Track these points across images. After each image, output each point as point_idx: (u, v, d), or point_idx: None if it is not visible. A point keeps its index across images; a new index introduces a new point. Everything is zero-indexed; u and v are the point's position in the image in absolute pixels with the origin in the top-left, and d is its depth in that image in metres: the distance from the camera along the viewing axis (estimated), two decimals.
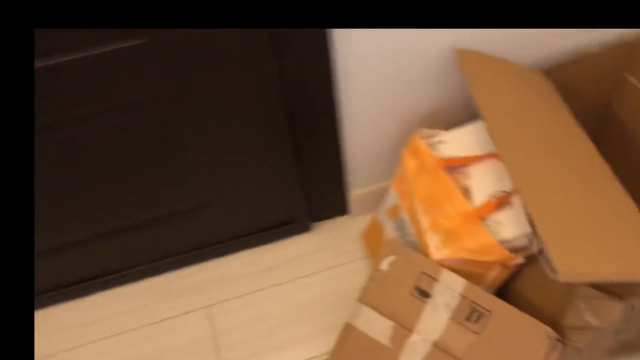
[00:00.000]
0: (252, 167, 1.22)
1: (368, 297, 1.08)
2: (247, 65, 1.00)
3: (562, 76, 1.18)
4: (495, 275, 1.05)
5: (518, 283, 1.09)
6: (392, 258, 1.07)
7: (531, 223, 0.96)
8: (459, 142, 1.13)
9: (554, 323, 0.99)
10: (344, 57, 1.06)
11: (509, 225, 1.02)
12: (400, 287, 1.05)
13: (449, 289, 1.02)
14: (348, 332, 1.10)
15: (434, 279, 1.03)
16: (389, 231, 1.21)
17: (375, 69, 1.10)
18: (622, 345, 1.09)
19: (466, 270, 1.04)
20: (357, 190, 1.37)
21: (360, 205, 1.41)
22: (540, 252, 1.03)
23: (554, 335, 0.96)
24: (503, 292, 1.11)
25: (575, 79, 1.21)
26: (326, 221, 1.44)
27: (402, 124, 1.24)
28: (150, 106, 1.02)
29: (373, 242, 1.31)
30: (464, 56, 1.11)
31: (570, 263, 0.83)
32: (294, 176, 1.27)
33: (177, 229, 1.30)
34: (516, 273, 1.07)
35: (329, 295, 1.31)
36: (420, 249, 1.09)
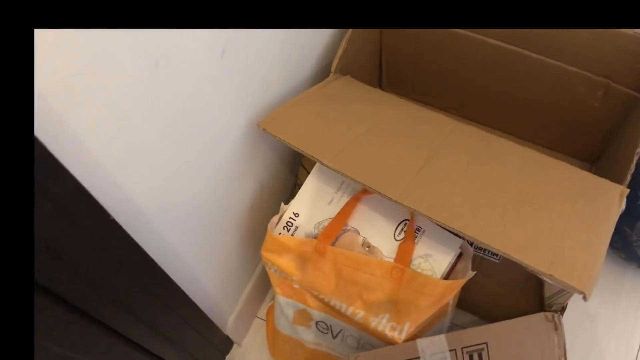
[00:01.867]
0: None
1: None
2: None
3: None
4: (452, 302, 0.91)
5: (470, 294, 0.97)
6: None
7: (452, 230, 0.81)
8: (312, 204, 0.92)
9: (532, 303, 0.90)
10: None
11: (439, 252, 0.87)
12: None
13: (436, 355, 0.85)
14: None
15: (415, 359, 0.85)
16: (313, 339, 0.98)
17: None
18: None
19: (429, 322, 0.88)
20: (230, 317, 1.10)
21: (240, 326, 1.14)
22: (471, 244, 0.91)
23: (552, 315, 0.86)
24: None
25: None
26: None
27: (232, 228, 0.98)
28: None
29: (296, 357, 1.06)
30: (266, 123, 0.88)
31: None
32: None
33: None
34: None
35: None
36: (369, 339, 0.89)
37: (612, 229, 0.75)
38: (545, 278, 0.71)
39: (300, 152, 0.84)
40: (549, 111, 1.09)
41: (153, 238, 0.74)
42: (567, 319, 0.92)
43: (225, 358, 1.15)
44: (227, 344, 1.13)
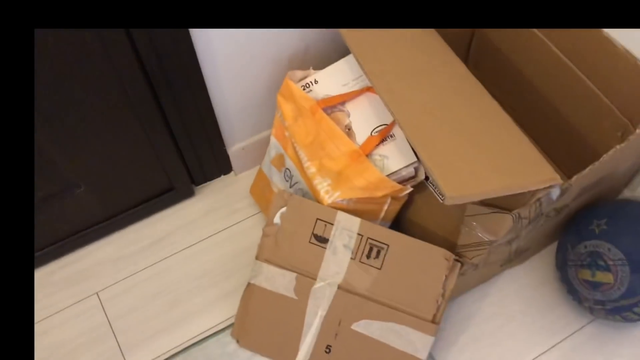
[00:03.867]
0: (116, 141, 1.11)
1: (265, 253, 1.05)
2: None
3: None
4: (387, 208, 1.06)
5: (410, 212, 1.11)
6: (283, 210, 1.04)
7: (415, 152, 0.96)
8: (332, 80, 1.10)
9: (450, 245, 1.02)
10: None
11: (394, 158, 1.01)
12: (296, 237, 1.03)
13: (346, 231, 1.01)
14: (251, 292, 1.07)
15: (329, 223, 1.01)
16: (277, 182, 1.18)
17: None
18: (516, 254, 1.15)
19: (359, 209, 1.03)
20: (236, 145, 1.31)
21: (243, 159, 1.35)
22: (427, 179, 1.04)
23: (451, 256, 0.98)
24: (398, 223, 1.13)
25: None
26: (210, 182, 1.38)
27: (272, 68, 1.18)
28: None
29: (263, 196, 1.27)
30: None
31: (457, 186, 0.84)
32: (164, 141, 1.18)
33: (51, 215, 1.17)
34: (408, 202, 1.09)
35: (226, 258, 1.27)
36: (311, 196, 1.06)
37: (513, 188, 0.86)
38: (428, 173, 0.85)
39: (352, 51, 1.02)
40: (571, 131, 1.17)
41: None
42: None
43: (221, 176, 1.38)
44: (226, 166, 1.35)
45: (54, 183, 1.12)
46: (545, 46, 1.15)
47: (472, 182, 0.86)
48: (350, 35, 1.04)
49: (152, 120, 1.11)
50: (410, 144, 0.97)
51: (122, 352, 1.16)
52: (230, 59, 1.10)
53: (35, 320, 1.19)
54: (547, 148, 1.29)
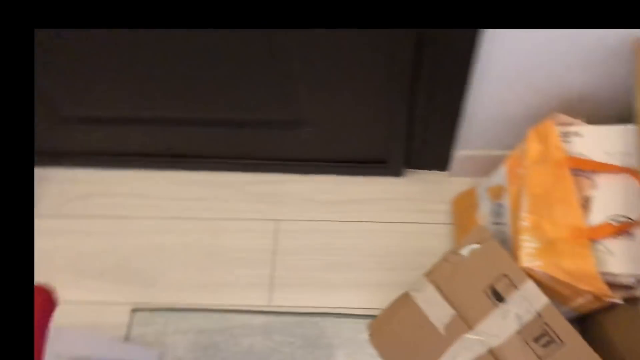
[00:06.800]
0: (361, 93, 1.11)
1: (436, 276, 1.00)
2: None
3: None
4: (583, 302, 0.93)
5: (606, 318, 0.96)
6: (476, 247, 0.97)
7: None
8: (597, 141, 0.96)
9: None
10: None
11: (621, 259, 0.88)
12: (474, 279, 0.96)
13: (527, 302, 0.91)
14: (405, 302, 1.03)
15: (514, 285, 0.92)
16: (484, 211, 1.10)
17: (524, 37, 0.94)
18: None
19: (553, 287, 0.92)
20: (464, 150, 1.24)
21: (463, 166, 1.28)
22: None
23: None
24: (584, 321, 0.99)
25: None
26: (421, 171, 1.33)
27: (540, 98, 1.07)
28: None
29: (463, 213, 1.20)
30: None
31: None
32: (402, 113, 1.15)
33: (270, 137, 1.24)
34: (608, 307, 0.95)
35: (398, 250, 1.24)
36: (510, 246, 0.97)
37: None
38: None
39: None
40: None
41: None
42: None
43: (433, 170, 1.32)
44: (444, 164, 1.29)
45: (290, 113, 1.16)
46: None
47: None
48: None
49: (401, 92, 1.08)
50: None
51: (270, 284, 1.21)
52: (509, 68, 1.01)
53: (214, 218, 1.29)
54: None
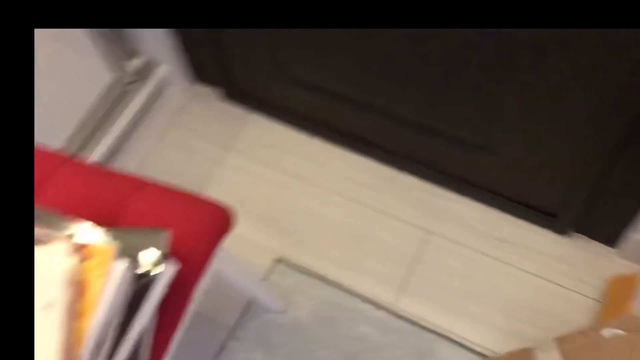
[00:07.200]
0: (561, 141, 1.10)
1: (568, 345, 0.98)
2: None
3: None
4: None
5: None
6: (621, 333, 0.93)
7: None
8: None
9: None
10: None
11: None
12: None
13: None
14: (526, 356, 1.03)
15: None
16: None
17: None
18: None
19: None
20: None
21: (635, 250, 1.22)
22: None
23: None
24: None
25: None
26: (587, 239, 1.29)
27: None
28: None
29: (616, 296, 1.15)
30: None
31: None
32: (593, 175, 1.12)
33: (454, 153, 1.27)
34: None
35: (537, 306, 1.22)
36: None
37: None
38: None
39: None
40: None
41: None
42: None
43: (601, 242, 1.27)
44: (615, 240, 1.24)
45: (484, 138, 1.18)
46: None
47: None
48: None
49: (601, 156, 1.06)
50: None
51: (401, 286, 1.26)
52: None
53: (373, 207, 1.36)
54: None
